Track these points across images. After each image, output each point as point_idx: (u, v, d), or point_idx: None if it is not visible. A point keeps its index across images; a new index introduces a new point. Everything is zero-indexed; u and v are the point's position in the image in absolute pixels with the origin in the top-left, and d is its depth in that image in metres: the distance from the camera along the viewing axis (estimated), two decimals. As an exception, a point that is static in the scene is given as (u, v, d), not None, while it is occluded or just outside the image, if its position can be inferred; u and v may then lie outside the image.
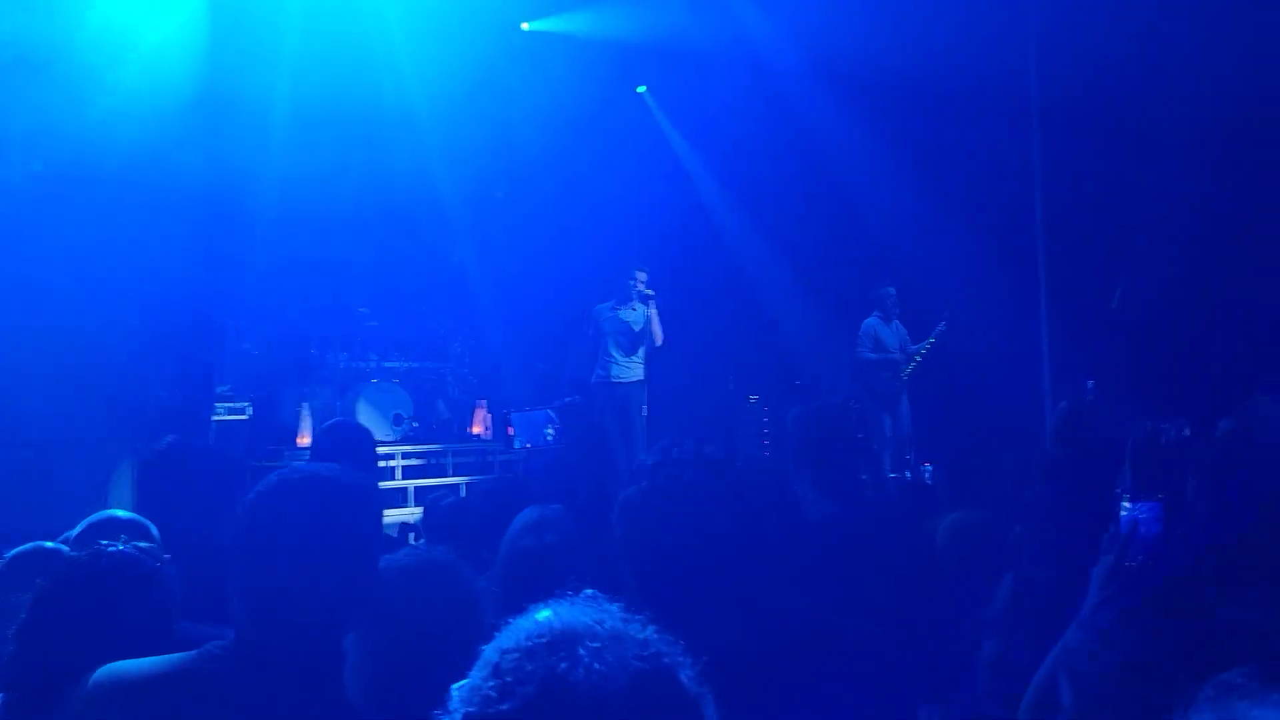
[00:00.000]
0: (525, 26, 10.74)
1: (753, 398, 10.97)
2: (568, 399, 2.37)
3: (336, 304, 9.69)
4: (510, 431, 2.54)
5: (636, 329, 8.45)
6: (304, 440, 8.85)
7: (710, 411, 10.94)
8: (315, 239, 10.25)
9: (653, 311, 8.32)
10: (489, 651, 1.08)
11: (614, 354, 8.48)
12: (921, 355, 9.29)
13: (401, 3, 9.38)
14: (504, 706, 1.01)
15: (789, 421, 3.63)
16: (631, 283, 8.41)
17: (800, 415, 3.58)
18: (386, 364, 9.92)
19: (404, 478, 9.10)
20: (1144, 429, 3.65)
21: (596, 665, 1.03)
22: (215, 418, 8.40)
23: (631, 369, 8.50)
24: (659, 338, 8.43)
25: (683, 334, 10.85)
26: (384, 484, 8.89)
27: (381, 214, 10.83)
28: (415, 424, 9.76)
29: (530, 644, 1.06)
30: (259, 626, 1.71)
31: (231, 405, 9.03)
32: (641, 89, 11.69)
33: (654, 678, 1.06)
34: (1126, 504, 2.18)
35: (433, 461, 9.61)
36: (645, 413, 8.47)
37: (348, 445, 3.49)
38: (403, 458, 9.37)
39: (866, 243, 10.26)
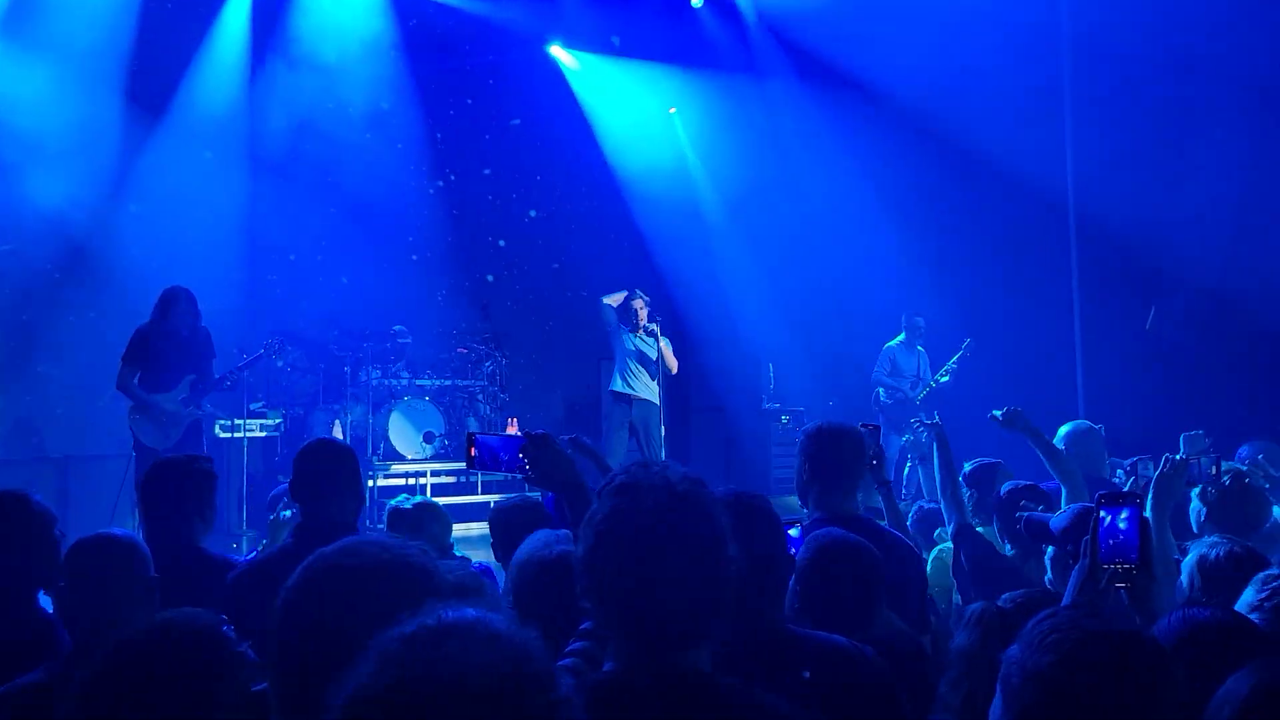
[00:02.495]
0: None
1: (784, 418, 10.94)
2: (533, 431, 2.30)
3: (371, 322, 9.79)
4: (472, 453, 2.48)
5: (653, 357, 8.50)
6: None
7: (744, 432, 10.93)
8: (351, 258, 10.44)
9: (664, 344, 8.37)
10: (381, 638, 1.18)
11: (635, 372, 8.54)
12: (940, 381, 9.25)
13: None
14: (378, 687, 1.12)
15: (800, 438, 3.61)
16: (633, 314, 8.48)
17: (809, 432, 3.56)
18: (419, 382, 10.01)
19: (434, 495, 9.16)
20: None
21: (460, 659, 1.13)
22: (245, 434, 8.50)
23: (651, 390, 8.54)
24: (674, 367, 8.49)
25: (714, 353, 10.90)
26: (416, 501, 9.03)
27: (415, 233, 11.02)
28: (447, 442, 9.82)
29: (409, 632, 1.17)
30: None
31: (265, 422, 9.19)
32: (672, 110, 11.78)
33: (515, 679, 1.14)
34: (1104, 512, 2.17)
35: (462, 479, 9.69)
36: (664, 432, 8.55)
37: (330, 465, 3.35)
38: (432, 475, 9.46)
39: (894, 267, 10.23)
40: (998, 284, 9.52)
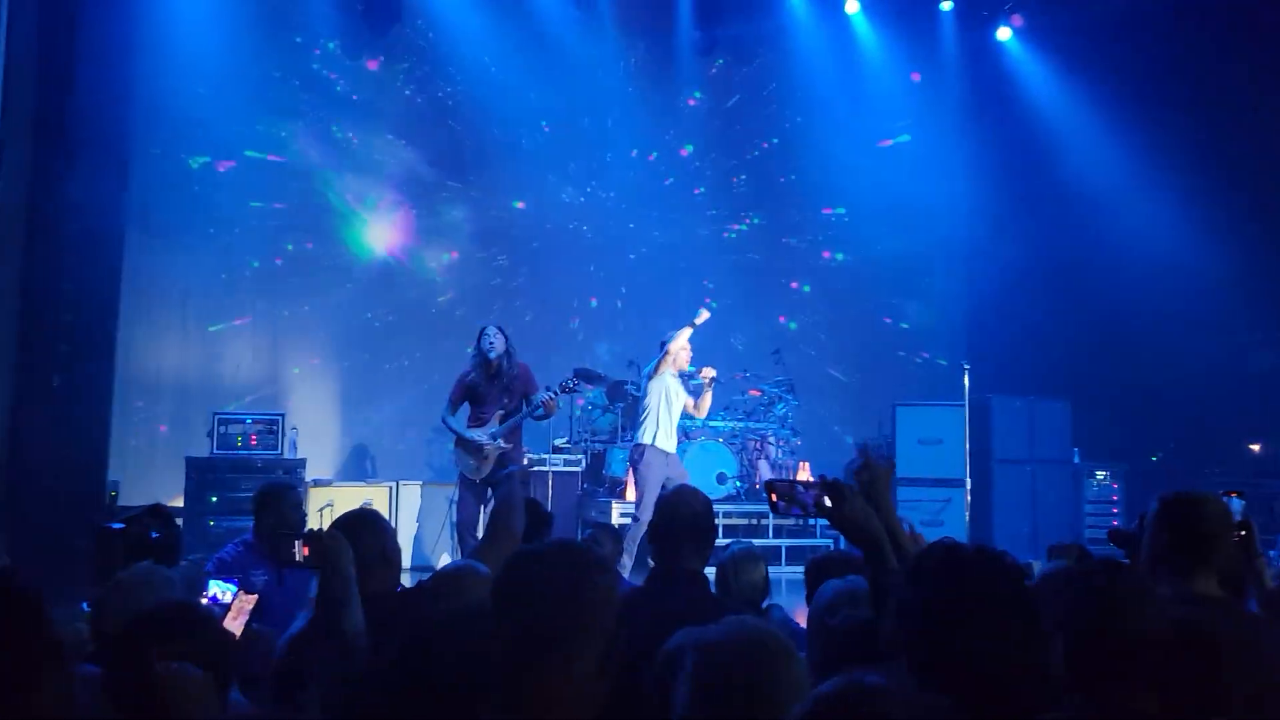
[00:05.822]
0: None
1: (1101, 475, 10.10)
2: (828, 477, 2.18)
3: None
4: (773, 499, 2.38)
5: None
6: (630, 494, 9.19)
7: (1051, 487, 10.16)
8: (650, 301, 10.74)
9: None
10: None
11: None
12: None
13: None
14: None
15: (1155, 506, 3.22)
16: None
17: (1168, 500, 3.16)
18: (712, 423, 10.05)
19: (724, 536, 9.12)
20: None
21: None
22: (549, 468, 8.99)
23: None
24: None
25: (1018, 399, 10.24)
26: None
27: (713, 277, 11.19)
28: (739, 483, 9.79)
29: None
30: None
31: (569, 458, 9.57)
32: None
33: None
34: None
35: (754, 522, 9.63)
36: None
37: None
38: (724, 516, 9.44)
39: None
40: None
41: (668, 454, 7.81)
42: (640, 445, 7.72)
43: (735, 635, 1.89)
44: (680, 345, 7.78)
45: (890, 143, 11.70)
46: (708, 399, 8.08)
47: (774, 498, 2.59)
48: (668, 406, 7.78)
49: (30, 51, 6.99)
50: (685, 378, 8.09)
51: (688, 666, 1.84)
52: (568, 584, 1.81)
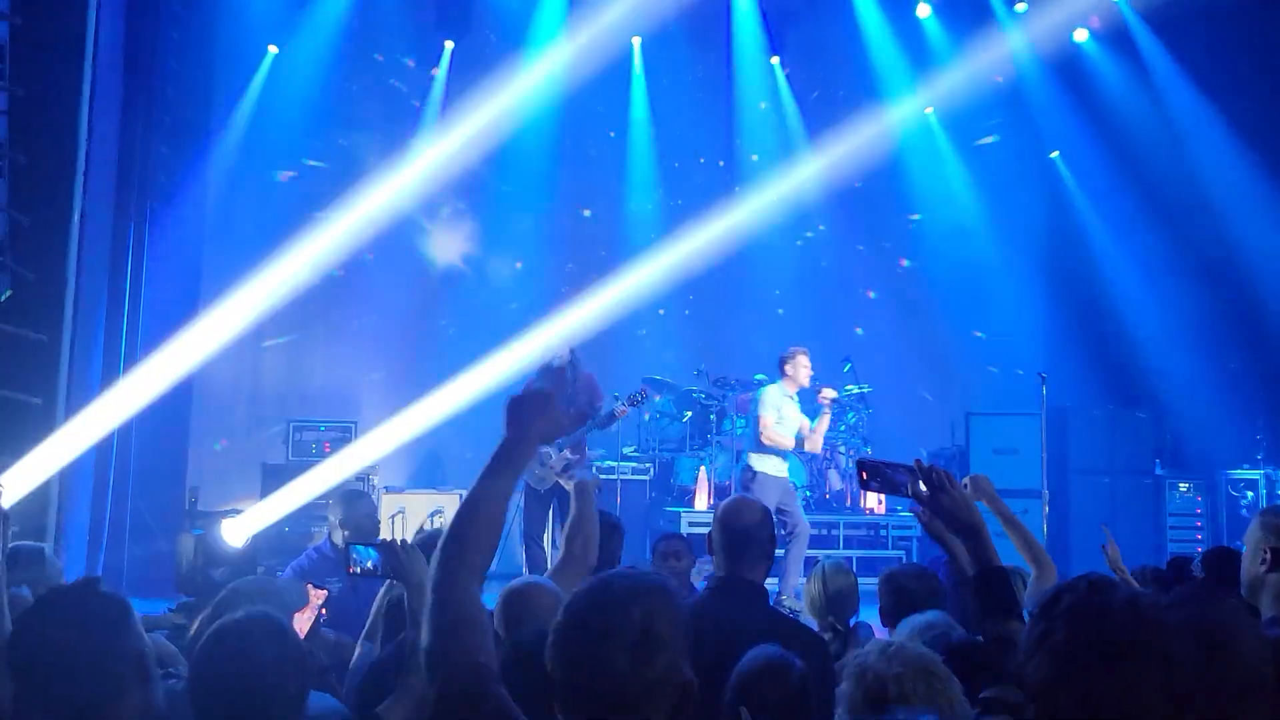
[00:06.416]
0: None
1: (1183, 486, 9.79)
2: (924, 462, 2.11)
3: (736, 371, 9.92)
4: (864, 476, 2.34)
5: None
6: (701, 502, 9.19)
7: (1131, 498, 9.87)
8: (718, 310, 10.67)
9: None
10: None
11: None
12: None
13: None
14: None
15: (1264, 514, 3.09)
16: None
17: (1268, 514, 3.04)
18: (781, 432, 9.97)
19: (791, 547, 9.03)
20: None
21: None
22: (618, 477, 8.93)
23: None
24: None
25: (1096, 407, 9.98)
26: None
27: (782, 286, 11.10)
28: (809, 493, 9.70)
29: None
30: None
31: (637, 466, 9.55)
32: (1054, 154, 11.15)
33: None
34: None
35: (824, 533, 9.50)
36: None
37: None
38: (794, 527, 9.34)
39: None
40: None
41: (780, 479, 7.51)
42: (751, 468, 7.52)
43: (903, 661, 1.84)
44: (820, 434, 7.57)
45: (990, 139, 11.49)
46: (824, 424, 7.65)
47: (864, 475, 2.54)
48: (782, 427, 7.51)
49: (115, 68, 7.16)
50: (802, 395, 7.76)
51: (853, 689, 1.80)
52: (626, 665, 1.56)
